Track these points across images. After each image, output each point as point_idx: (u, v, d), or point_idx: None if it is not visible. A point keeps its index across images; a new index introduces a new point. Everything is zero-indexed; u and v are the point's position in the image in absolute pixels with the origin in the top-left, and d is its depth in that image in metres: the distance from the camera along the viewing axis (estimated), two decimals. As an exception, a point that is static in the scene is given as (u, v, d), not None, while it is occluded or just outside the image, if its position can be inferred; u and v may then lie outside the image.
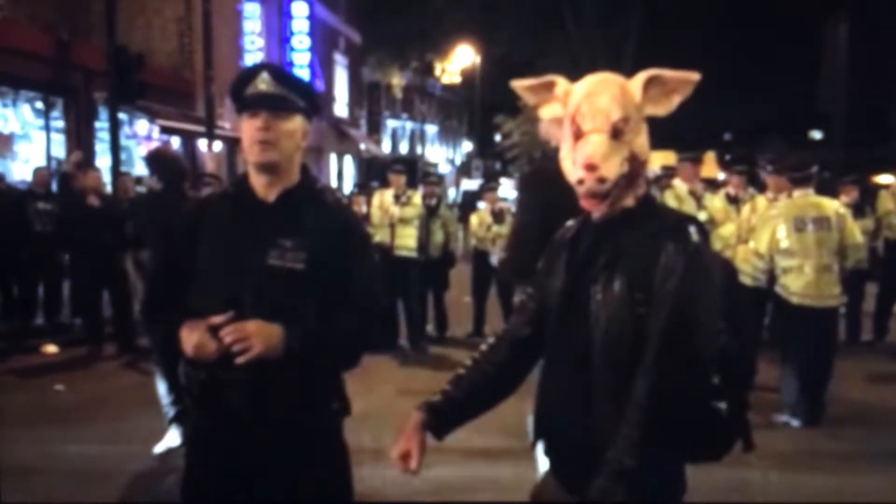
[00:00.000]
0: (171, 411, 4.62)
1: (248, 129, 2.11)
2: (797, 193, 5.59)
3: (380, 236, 8.02)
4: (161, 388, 4.63)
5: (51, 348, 7.81)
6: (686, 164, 7.49)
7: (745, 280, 5.40)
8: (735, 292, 1.94)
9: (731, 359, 1.81)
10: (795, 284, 5.42)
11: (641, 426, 1.68)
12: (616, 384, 1.76)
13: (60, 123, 13.97)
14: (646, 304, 1.74)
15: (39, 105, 13.61)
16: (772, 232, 5.51)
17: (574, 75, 1.96)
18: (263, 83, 2.10)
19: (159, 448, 4.57)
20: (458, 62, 33.93)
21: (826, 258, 5.41)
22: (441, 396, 2.01)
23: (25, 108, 13.38)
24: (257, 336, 1.98)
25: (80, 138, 13.78)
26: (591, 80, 1.87)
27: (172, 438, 4.58)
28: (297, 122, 2.15)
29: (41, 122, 13.63)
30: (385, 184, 9.00)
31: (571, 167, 1.83)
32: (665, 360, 1.70)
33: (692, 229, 1.80)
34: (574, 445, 1.86)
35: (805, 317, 5.42)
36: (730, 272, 1.95)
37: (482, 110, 33.22)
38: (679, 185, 7.42)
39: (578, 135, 1.82)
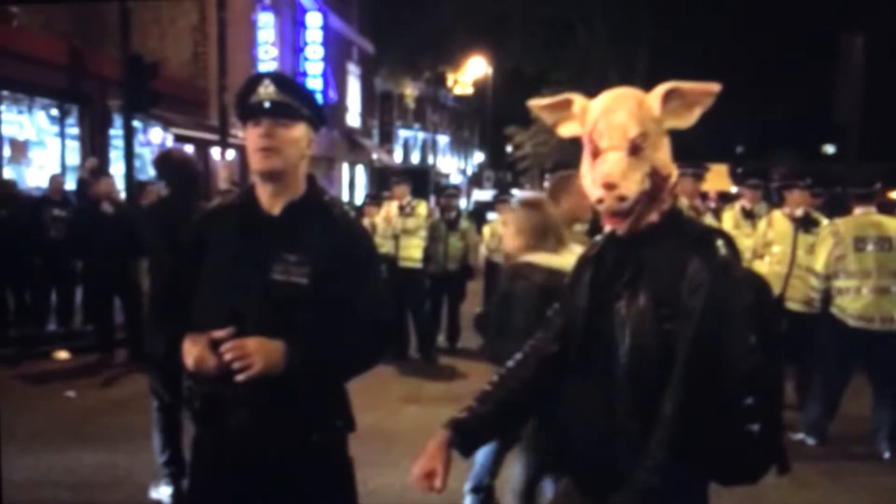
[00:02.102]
0: (164, 470, 4.22)
1: (251, 136, 2.10)
2: (858, 211, 5.39)
3: (385, 247, 8.03)
4: (156, 441, 4.24)
5: (62, 354, 7.84)
6: (687, 179, 7.38)
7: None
8: (767, 308, 1.89)
9: (764, 378, 1.76)
10: (853, 306, 5.21)
11: (668, 446, 1.65)
12: (641, 401, 1.72)
13: (75, 131, 14.05)
14: (672, 320, 1.70)
15: (54, 112, 13.70)
16: (829, 250, 5.30)
17: (586, 87, 1.93)
18: (266, 91, 2.08)
19: (153, 493, 4.27)
20: (471, 73, 34.04)
21: (885, 280, 5.19)
22: (467, 413, 1.96)
23: (40, 116, 13.47)
24: (258, 353, 1.95)
25: (94, 146, 13.86)
26: (607, 97, 1.84)
27: (165, 493, 4.24)
28: (300, 130, 2.12)
29: (56, 129, 13.71)
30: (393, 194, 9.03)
31: (591, 186, 1.80)
32: (693, 378, 1.66)
33: (720, 242, 1.75)
34: (597, 462, 1.83)
35: (861, 340, 5.21)
36: (761, 287, 1.90)
37: (494, 121, 33.25)
38: (680, 200, 7.31)
39: (596, 153, 1.79)
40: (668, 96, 1.81)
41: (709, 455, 1.72)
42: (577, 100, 1.89)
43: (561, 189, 3.70)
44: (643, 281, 1.76)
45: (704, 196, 10.79)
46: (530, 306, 3.05)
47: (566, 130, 1.94)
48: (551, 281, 3.01)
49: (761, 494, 4.25)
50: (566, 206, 3.62)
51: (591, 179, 1.80)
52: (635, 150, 1.76)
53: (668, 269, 1.73)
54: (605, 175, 1.75)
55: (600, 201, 1.76)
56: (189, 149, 15.87)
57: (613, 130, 1.77)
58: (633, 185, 1.74)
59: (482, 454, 3.46)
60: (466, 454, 1.96)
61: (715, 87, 1.79)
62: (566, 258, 3.13)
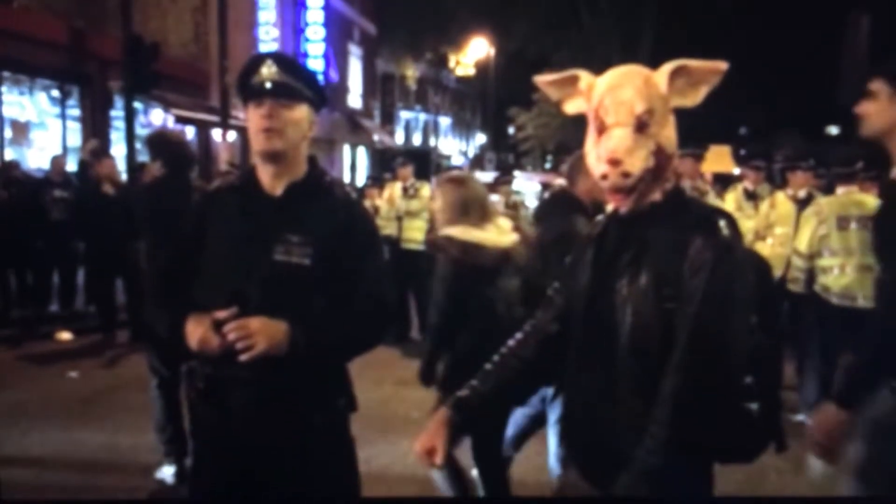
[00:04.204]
0: (166, 449, 4.22)
1: (254, 117, 2.10)
2: (841, 190, 5.39)
3: (388, 229, 8.02)
4: (157, 419, 4.22)
5: (65, 335, 7.87)
6: (688, 160, 7.36)
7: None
8: (767, 289, 1.89)
9: (763, 358, 1.77)
10: (837, 285, 5.23)
11: (669, 425, 1.65)
12: (642, 380, 1.72)
13: (76, 112, 14.03)
14: (674, 300, 1.70)
15: (55, 93, 13.68)
16: (813, 230, 5.33)
17: (589, 68, 1.92)
18: (268, 71, 2.07)
19: (156, 472, 4.25)
20: (473, 54, 33.85)
21: (868, 258, 5.10)
22: (468, 392, 1.98)
23: (41, 97, 13.45)
24: (261, 333, 1.96)
25: (95, 127, 13.85)
26: (614, 73, 1.82)
27: (168, 472, 4.23)
28: (302, 111, 2.12)
29: (57, 110, 13.70)
30: (396, 176, 9.02)
31: (595, 162, 1.79)
32: (694, 357, 1.66)
33: (722, 223, 1.74)
34: (599, 442, 1.83)
35: (845, 318, 5.17)
36: (762, 267, 1.90)
37: (496, 103, 33.12)
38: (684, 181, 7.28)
39: (602, 129, 1.78)
40: (674, 74, 1.79)
41: (708, 433, 1.72)
42: (584, 76, 1.88)
43: (577, 169, 3.69)
44: (645, 260, 1.75)
45: (700, 178, 10.75)
46: (445, 277, 3.30)
47: (572, 107, 1.92)
48: (467, 254, 3.24)
49: (761, 476, 4.27)
50: (583, 187, 3.61)
51: (595, 155, 1.79)
52: (641, 126, 1.74)
53: (671, 249, 1.73)
54: (610, 151, 1.73)
55: (604, 177, 1.75)
56: (190, 130, 15.86)
57: (619, 107, 1.75)
58: (637, 162, 1.73)
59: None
60: (466, 432, 1.97)
61: (722, 65, 1.78)
62: (488, 232, 3.32)
